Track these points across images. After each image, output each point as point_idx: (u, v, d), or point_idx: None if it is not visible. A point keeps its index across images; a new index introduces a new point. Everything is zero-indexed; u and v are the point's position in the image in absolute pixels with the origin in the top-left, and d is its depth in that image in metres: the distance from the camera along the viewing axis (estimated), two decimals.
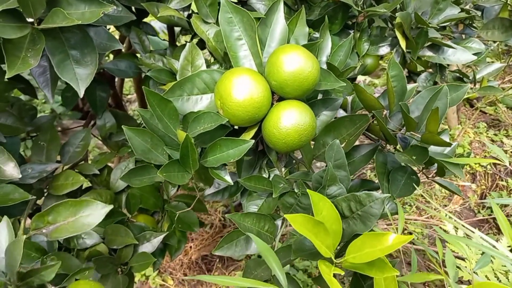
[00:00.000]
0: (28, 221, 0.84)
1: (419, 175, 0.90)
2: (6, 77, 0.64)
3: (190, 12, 1.06)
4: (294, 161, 0.91)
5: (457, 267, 1.77)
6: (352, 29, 1.18)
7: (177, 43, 1.37)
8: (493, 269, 1.84)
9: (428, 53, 1.17)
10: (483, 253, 0.83)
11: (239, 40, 0.71)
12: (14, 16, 0.67)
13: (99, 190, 1.08)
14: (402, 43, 1.11)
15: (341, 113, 1.06)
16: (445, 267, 0.81)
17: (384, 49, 1.19)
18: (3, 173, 0.78)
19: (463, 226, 0.70)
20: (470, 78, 1.37)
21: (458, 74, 1.39)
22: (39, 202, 1.02)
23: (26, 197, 0.80)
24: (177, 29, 1.38)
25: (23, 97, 1.73)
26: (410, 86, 0.88)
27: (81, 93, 0.73)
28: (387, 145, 0.93)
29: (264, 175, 0.84)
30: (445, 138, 0.87)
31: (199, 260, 2.26)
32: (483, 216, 2.43)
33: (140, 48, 1.13)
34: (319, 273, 0.57)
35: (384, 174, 0.88)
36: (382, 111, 0.81)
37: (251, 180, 0.78)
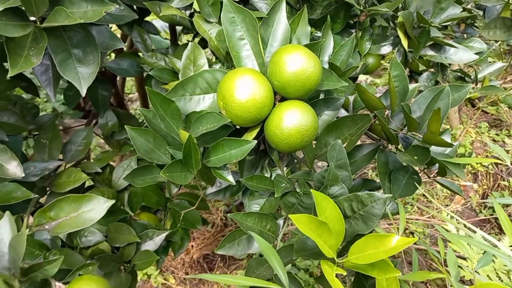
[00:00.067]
0: (31, 219, 0.85)
1: (420, 174, 0.91)
2: (8, 75, 0.64)
3: (192, 11, 1.06)
4: (295, 160, 0.92)
5: (459, 266, 1.77)
6: (354, 28, 1.18)
7: (179, 42, 1.37)
8: (495, 269, 1.84)
9: (430, 52, 1.17)
10: (484, 252, 0.83)
11: (242, 40, 0.71)
12: (16, 14, 0.67)
13: (101, 188, 1.08)
14: (404, 42, 1.11)
15: (343, 112, 1.06)
16: (447, 266, 0.81)
17: (386, 49, 1.19)
18: (6, 172, 0.79)
19: (465, 225, 0.70)
20: (472, 77, 1.37)
21: (459, 74, 1.39)
22: (42, 200, 1.02)
23: (28, 196, 0.80)
24: (178, 28, 1.38)
25: (25, 95, 1.73)
26: (412, 86, 0.88)
27: (83, 92, 0.73)
28: (389, 145, 0.93)
29: (266, 175, 0.85)
30: (447, 138, 0.87)
31: (200, 259, 2.26)
32: (485, 216, 2.43)
33: (142, 47, 1.13)
34: (321, 272, 0.57)
35: (386, 174, 0.88)
36: (384, 111, 0.81)
37: (253, 180, 0.78)
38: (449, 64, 1.29)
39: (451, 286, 0.71)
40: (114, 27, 1.95)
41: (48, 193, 1.02)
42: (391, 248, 0.52)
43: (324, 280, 0.55)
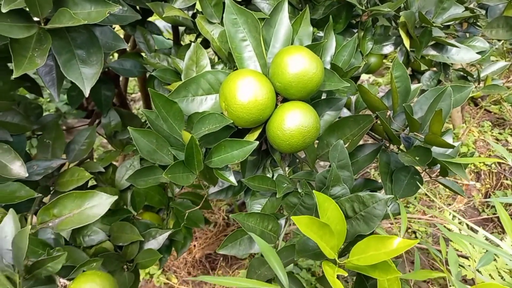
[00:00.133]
0: (35, 219, 0.85)
1: (422, 174, 0.91)
2: (13, 76, 0.64)
3: (195, 11, 1.06)
4: (297, 160, 0.92)
5: (461, 265, 1.77)
6: (356, 28, 1.18)
7: (181, 42, 1.38)
8: (497, 268, 1.84)
9: (432, 52, 1.17)
10: (486, 251, 0.83)
11: (244, 41, 0.71)
12: (21, 16, 0.68)
13: (104, 188, 1.09)
14: (406, 42, 1.11)
15: (346, 112, 1.06)
16: (449, 265, 0.81)
17: (388, 48, 1.19)
18: (10, 172, 0.79)
19: (467, 225, 0.71)
20: (475, 76, 1.37)
21: (462, 73, 1.38)
22: (46, 200, 1.03)
23: (32, 195, 0.81)
24: (181, 28, 1.38)
25: (28, 95, 1.74)
26: (414, 86, 0.88)
27: (86, 93, 0.73)
28: (391, 145, 0.93)
29: (268, 175, 0.85)
30: (449, 137, 0.87)
31: (203, 258, 2.27)
32: (488, 215, 2.43)
33: (145, 47, 1.13)
34: (323, 272, 0.57)
35: (387, 174, 0.88)
36: (386, 111, 0.82)
37: (255, 180, 0.79)
38: (452, 64, 1.28)
39: (451, 286, 0.71)
40: (117, 27, 1.96)
41: (51, 192, 1.03)
42: (393, 250, 0.53)
43: (325, 280, 0.55)
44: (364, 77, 3.41)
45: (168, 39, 1.83)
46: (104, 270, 0.95)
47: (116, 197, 0.72)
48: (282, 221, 0.82)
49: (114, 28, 0.95)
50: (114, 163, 1.21)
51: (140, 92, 1.90)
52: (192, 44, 0.84)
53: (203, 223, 1.16)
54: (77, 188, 0.99)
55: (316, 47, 0.74)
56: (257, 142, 0.67)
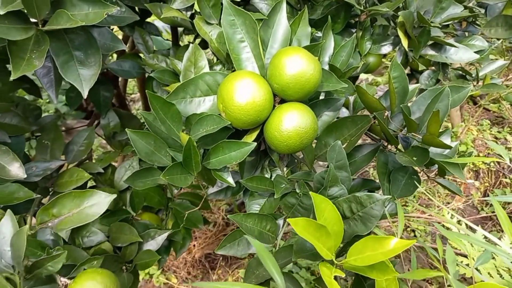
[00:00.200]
0: (34, 220, 0.85)
1: (421, 174, 0.91)
2: (11, 78, 0.65)
3: (193, 12, 1.06)
4: (296, 160, 0.92)
5: (459, 264, 1.77)
6: (354, 28, 1.18)
7: (180, 43, 1.38)
8: (495, 266, 1.84)
9: (430, 52, 1.17)
10: (485, 249, 0.83)
11: (242, 42, 0.71)
12: (19, 17, 0.68)
13: (103, 189, 1.09)
14: (404, 42, 1.11)
15: (344, 111, 1.06)
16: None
17: (386, 48, 1.19)
18: (9, 173, 0.79)
19: (466, 223, 0.71)
20: (473, 75, 1.37)
21: (461, 72, 1.38)
22: (44, 201, 1.03)
23: (30, 196, 0.81)
24: (180, 29, 1.38)
25: (27, 96, 1.74)
26: (412, 86, 0.89)
27: (84, 94, 0.73)
28: (389, 145, 0.93)
29: (266, 175, 0.85)
30: (447, 137, 0.87)
31: (202, 258, 2.27)
32: (487, 213, 2.43)
33: (144, 48, 1.13)
34: None
35: (385, 174, 0.88)
36: (384, 112, 0.82)
37: (253, 181, 0.79)
38: (450, 63, 1.28)
39: (448, 286, 0.71)
40: (115, 28, 1.96)
41: (50, 193, 1.03)
42: (390, 250, 0.53)
43: (323, 281, 0.55)
44: (363, 76, 3.41)
45: (167, 39, 1.83)
46: None
47: (115, 195, 0.72)
48: (280, 221, 0.83)
49: (112, 29, 0.95)
50: (114, 163, 1.21)
51: (140, 92, 1.90)
52: (190, 45, 0.84)
53: (202, 223, 1.16)
54: (76, 189, 0.99)
55: (314, 47, 0.75)
56: (255, 143, 0.68)
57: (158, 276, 2.16)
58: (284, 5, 0.74)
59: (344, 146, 0.80)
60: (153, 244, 1.03)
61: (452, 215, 2.17)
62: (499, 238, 2.04)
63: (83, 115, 2.46)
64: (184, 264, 2.23)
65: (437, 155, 0.82)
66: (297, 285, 0.75)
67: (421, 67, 1.31)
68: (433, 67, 1.32)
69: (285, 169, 0.88)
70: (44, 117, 1.18)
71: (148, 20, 1.22)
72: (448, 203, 2.52)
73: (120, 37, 1.24)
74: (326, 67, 0.93)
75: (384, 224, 2.24)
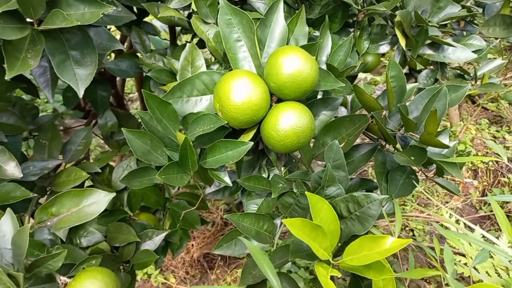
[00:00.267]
0: (31, 221, 0.85)
1: (419, 173, 0.91)
2: (5, 78, 0.64)
3: (191, 11, 1.06)
4: (293, 160, 0.92)
5: (456, 263, 1.77)
6: (352, 28, 1.18)
7: (178, 42, 1.37)
8: (493, 265, 1.84)
9: (428, 51, 1.17)
10: (483, 249, 0.83)
11: (238, 41, 0.71)
12: (14, 17, 0.67)
13: (101, 188, 1.09)
14: (402, 42, 1.11)
15: (343, 110, 1.06)
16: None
17: (384, 48, 1.19)
18: (5, 173, 0.79)
19: (464, 223, 0.71)
20: (471, 75, 1.37)
21: (459, 71, 1.38)
22: (42, 201, 1.03)
23: (27, 195, 0.81)
24: (178, 28, 1.38)
25: (25, 96, 1.74)
26: (410, 85, 0.88)
27: (80, 94, 0.73)
28: (387, 144, 0.93)
29: (263, 175, 0.85)
30: (445, 137, 0.87)
31: (201, 258, 2.27)
32: (485, 212, 2.43)
33: (141, 48, 1.13)
34: None
35: (383, 174, 0.88)
36: (381, 111, 0.82)
37: (250, 180, 0.79)
38: (448, 62, 1.28)
39: (446, 285, 0.71)
40: (113, 28, 1.95)
41: (48, 192, 1.03)
42: (386, 250, 0.53)
43: (319, 281, 0.55)
44: (361, 75, 3.40)
45: (165, 39, 1.83)
46: None
47: (114, 194, 0.72)
48: (278, 221, 0.82)
49: (109, 29, 0.94)
50: (112, 163, 1.21)
51: (138, 92, 1.90)
52: (187, 44, 0.84)
53: (199, 224, 1.16)
54: (74, 188, 0.99)
55: (311, 46, 0.74)
56: (252, 143, 0.67)
57: (156, 276, 2.16)
58: (281, 4, 0.74)
59: (341, 145, 0.80)
60: (151, 244, 1.02)
61: (450, 214, 2.17)
62: (497, 237, 2.05)
63: (81, 115, 2.44)
64: (183, 264, 2.23)
65: (435, 155, 0.82)
66: (294, 284, 0.75)
67: (419, 66, 1.31)
68: (432, 67, 1.32)
69: (282, 168, 0.88)
70: (42, 117, 1.18)
71: (146, 19, 1.22)
72: (447, 202, 2.52)
73: (118, 37, 1.24)
74: (324, 67, 0.92)
75: (383, 224, 2.24)
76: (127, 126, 0.78)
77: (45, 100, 3.07)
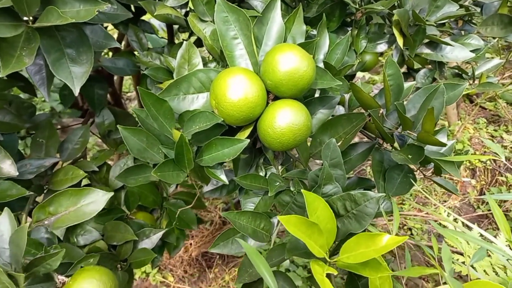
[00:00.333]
0: (29, 219, 0.85)
1: (417, 172, 0.90)
2: (0, 75, 0.64)
3: (188, 9, 1.05)
4: (291, 159, 0.92)
5: (454, 262, 1.77)
6: (350, 26, 1.17)
7: (175, 41, 1.37)
8: (491, 264, 1.84)
9: (426, 50, 1.17)
10: (480, 247, 0.83)
11: (235, 39, 0.71)
12: (8, 14, 0.67)
13: (98, 187, 1.09)
14: (400, 41, 1.11)
15: (340, 109, 1.06)
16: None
17: (382, 47, 1.19)
18: (0, 171, 0.79)
19: (462, 221, 0.71)
20: (469, 74, 1.37)
21: (457, 71, 1.38)
22: (39, 199, 1.02)
23: (23, 193, 0.80)
24: (175, 26, 1.37)
25: (22, 95, 1.73)
26: (407, 84, 0.88)
27: (76, 92, 0.73)
28: (384, 143, 0.93)
29: (261, 173, 0.85)
30: (443, 135, 0.87)
31: (199, 257, 2.27)
32: (483, 211, 2.44)
33: (138, 46, 1.13)
34: None
35: (381, 172, 0.88)
36: (379, 110, 0.81)
37: (247, 179, 0.78)
38: (446, 62, 1.28)
39: (444, 283, 0.71)
40: (111, 26, 1.95)
41: (45, 191, 1.02)
42: (382, 247, 0.53)
43: (315, 279, 0.55)
44: (359, 74, 3.40)
45: (162, 37, 1.83)
46: None
47: (112, 193, 0.72)
48: (275, 220, 0.82)
49: (106, 27, 0.94)
50: (109, 162, 1.21)
51: (135, 91, 1.89)
52: (184, 42, 0.84)
53: (195, 224, 1.15)
54: (72, 187, 0.99)
55: (309, 45, 0.74)
56: (248, 140, 0.67)
57: (155, 275, 2.16)
58: (279, 3, 0.74)
59: (339, 144, 0.80)
60: (148, 243, 1.02)
61: (448, 213, 2.17)
62: (495, 236, 2.05)
63: (79, 114, 2.44)
64: (181, 263, 2.23)
65: (433, 154, 0.82)
66: (291, 283, 0.75)
67: (417, 65, 1.31)
68: (430, 66, 1.32)
69: (279, 167, 0.88)
70: (39, 115, 1.18)
71: (145, 18, 1.21)
72: (445, 201, 2.53)
73: (116, 35, 1.23)
74: (321, 65, 0.92)
75: (381, 223, 2.24)
76: (124, 125, 0.78)
77: (43, 98, 3.06)
